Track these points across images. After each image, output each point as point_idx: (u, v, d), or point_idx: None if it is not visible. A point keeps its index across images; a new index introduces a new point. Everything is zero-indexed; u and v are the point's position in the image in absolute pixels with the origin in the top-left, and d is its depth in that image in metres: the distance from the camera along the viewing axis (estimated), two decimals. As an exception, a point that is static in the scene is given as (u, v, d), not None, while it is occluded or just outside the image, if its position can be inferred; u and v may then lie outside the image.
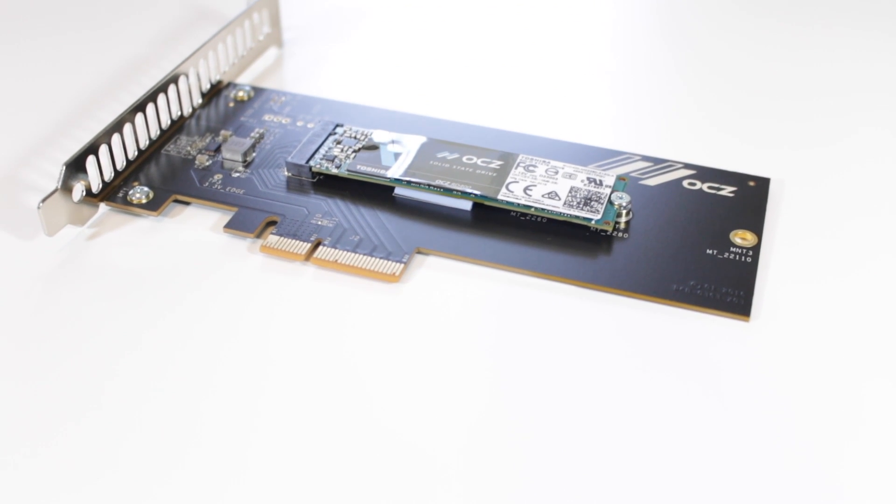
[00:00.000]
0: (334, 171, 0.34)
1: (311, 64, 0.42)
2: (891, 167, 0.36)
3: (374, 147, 0.35)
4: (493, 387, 0.28)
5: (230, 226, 0.33)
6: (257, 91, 0.39)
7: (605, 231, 0.32)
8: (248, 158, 0.35)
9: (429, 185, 0.33)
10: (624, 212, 0.33)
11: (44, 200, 0.31)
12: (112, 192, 0.34)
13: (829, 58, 0.43)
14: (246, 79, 0.41)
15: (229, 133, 0.36)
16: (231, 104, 0.38)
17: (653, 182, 0.35)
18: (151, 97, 0.35)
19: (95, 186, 0.33)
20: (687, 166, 0.35)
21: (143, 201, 0.33)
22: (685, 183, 0.35)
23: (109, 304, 0.30)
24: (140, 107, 0.35)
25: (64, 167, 0.32)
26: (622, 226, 0.33)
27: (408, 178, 0.33)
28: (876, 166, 0.36)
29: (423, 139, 0.35)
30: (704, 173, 0.35)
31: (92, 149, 0.33)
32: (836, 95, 0.40)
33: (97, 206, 0.33)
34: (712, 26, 0.45)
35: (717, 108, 0.39)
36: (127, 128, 0.34)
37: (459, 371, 0.28)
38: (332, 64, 0.42)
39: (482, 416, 0.27)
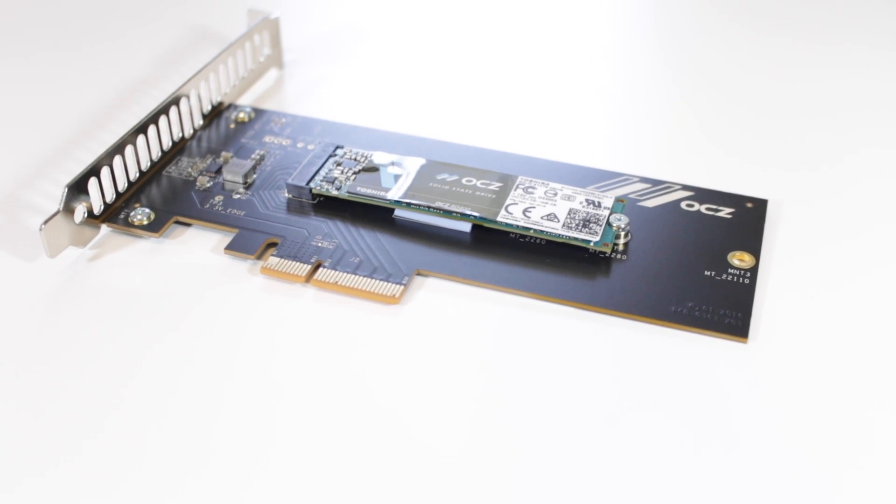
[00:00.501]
0: (334, 192, 0.34)
1: (311, 85, 0.42)
2: (888, 188, 0.36)
3: (374, 169, 0.35)
4: (492, 408, 0.28)
5: (231, 247, 0.33)
6: (258, 112, 0.39)
7: (604, 253, 0.33)
8: (249, 180, 0.35)
9: (428, 207, 0.33)
10: (622, 233, 0.33)
11: (46, 222, 0.31)
12: (113, 214, 0.34)
13: (828, 76, 0.43)
14: (247, 100, 0.41)
15: (230, 154, 0.37)
16: (232, 125, 0.39)
17: (651, 203, 0.35)
18: (153, 119, 0.36)
19: (97, 208, 0.33)
20: (685, 188, 0.36)
21: (145, 223, 0.34)
22: (683, 204, 0.35)
23: (111, 326, 0.30)
24: (142, 128, 0.35)
25: (66, 189, 0.32)
26: (620, 247, 0.33)
27: (407, 200, 0.34)
28: (874, 187, 0.36)
29: (422, 161, 0.35)
30: (702, 195, 0.35)
31: (94, 170, 0.33)
32: (833, 115, 0.40)
33: (98, 228, 0.34)
34: (710, 47, 0.46)
35: (715, 129, 0.40)
36: (128, 149, 0.35)
37: (459, 393, 0.28)
38: (332, 85, 0.42)
39: (481, 437, 0.27)
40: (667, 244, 0.33)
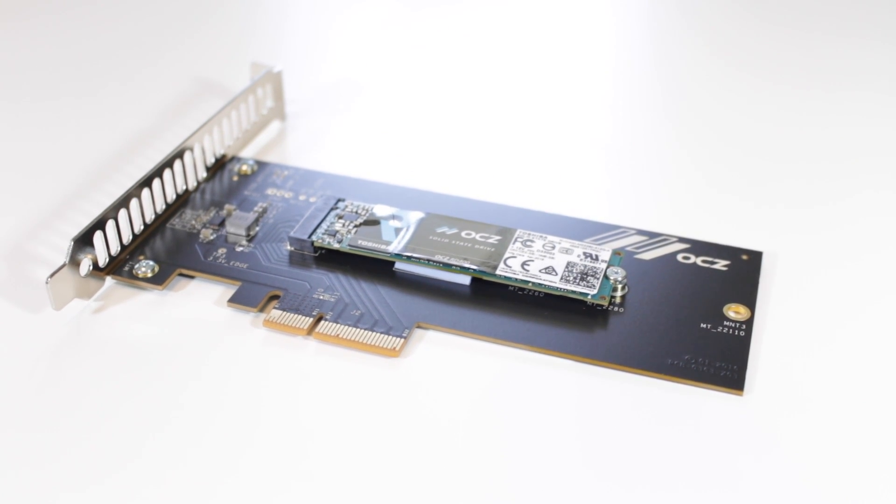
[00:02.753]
0: (336, 245, 0.35)
1: (312, 137, 0.43)
2: (884, 238, 0.37)
3: (374, 222, 0.36)
4: (491, 461, 0.28)
5: (234, 300, 0.33)
6: (260, 165, 0.40)
7: (601, 306, 0.33)
8: (252, 233, 0.36)
9: (428, 261, 0.34)
10: (619, 286, 0.33)
11: (52, 275, 0.32)
12: (118, 266, 0.34)
13: (822, 124, 0.43)
14: (249, 152, 0.41)
15: (233, 207, 0.37)
16: (235, 178, 0.39)
17: (648, 256, 0.35)
18: (158, 172, 0.36)
19: (102, 260, 0.34)
20: (681, 240, 0.36)
21: (149, 275, 0.34)
22: (679, 257, 0.35)
23: (117, 380, 0.31)
24: (147, 182, 0.36)
25: (72, 242, 0.32)
26: (618, 300, 0.33)
27: (408, 254, 0.34)
28: (870, 239, 0.37)
29: (421, 214, 0.36)
30: (698, 247, 0.36)
31: (99, 224, 0.34)
32: (830, 163, 0.41)
33: (103, 280, 0.34)
34: (705, 101, 0.46)
35: (711, 182, 0.40)
36: (133, 202, 0.35)
37: (458, 445, 0.29)
38: (333, 137, 0.43)
39: (480, 490, 0.27)
40: (663, 297, 0.34)
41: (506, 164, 0.41)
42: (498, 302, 0.33)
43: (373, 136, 0.43)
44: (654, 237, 0.36)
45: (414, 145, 0.43)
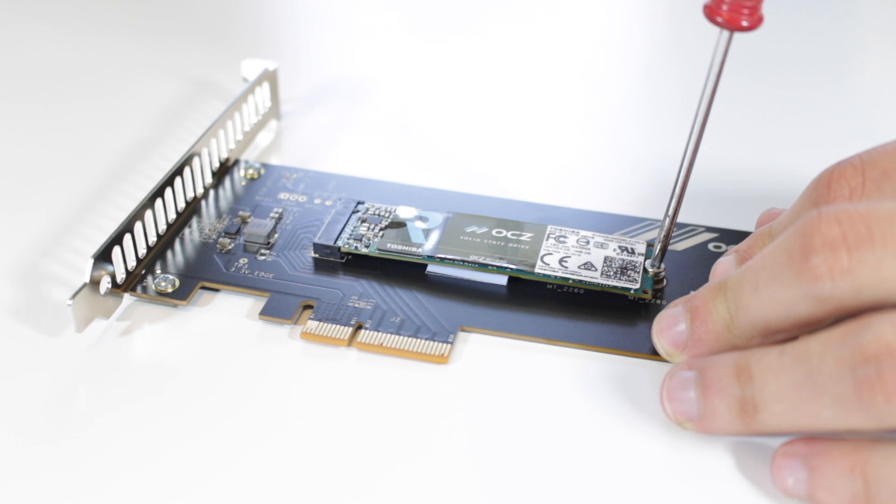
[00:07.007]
0: (364, 250, 0.34)
1: (312, 137, 0.41)
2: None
3: (400, 224, 0.34)
4: (560, 464, 0.28)
5: (266, 313, 0.32)
6: (267, 168, 0.38)
7: (644, 299, 0.32)
8: (272, 240, 0.35)
9: (463, 261, 0.33)
10: (661, 278, 0.33)
11: (74, 296, 0.30)
12: (135, 282, 0.33)
13: (846, 109, 0.43)
14: (249, 154, 0.40)
15: (247, 214, 0.36)
16: (243, 183, 0.38)
17: (679, 247, 0.35)
18: (170, 180, 0.35)
19: (120, 277, 0.32)
20: (709, 229, 0.36)
21: (170, 290, 0.33)
22: (710, 246, 0.35)
23: (152, 403, 0.29)
24: (160, 190, 0.34)
25: (93, 260, 0.31)
26: (658, 293, 0.33)
27: (441, 255, 0.33)
28: None
29: (446, 214, 0.35)
30: (727, 236, 0.36)
31: (117, 238, 0.32)
32: (854, 148, 0.41)
33: (121, 297, 0.32)
34: (726, 87, 0.46)
35: (729, 170, 0.40)
36: (147, 213, 0.33)
37: (524, 450, 0.28)
38: (334, 137, 0.41)
39: (544, 493, 0.27)
40: (701, 286, 0.33)
41: (515, 159, 0.40)
42: (537, 301, 0.32)
43: (375, 134, 0.42)
44: (680, 227, 0.36)
45: (413, 142, 0.41)
